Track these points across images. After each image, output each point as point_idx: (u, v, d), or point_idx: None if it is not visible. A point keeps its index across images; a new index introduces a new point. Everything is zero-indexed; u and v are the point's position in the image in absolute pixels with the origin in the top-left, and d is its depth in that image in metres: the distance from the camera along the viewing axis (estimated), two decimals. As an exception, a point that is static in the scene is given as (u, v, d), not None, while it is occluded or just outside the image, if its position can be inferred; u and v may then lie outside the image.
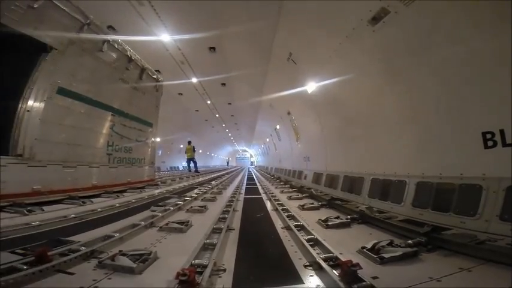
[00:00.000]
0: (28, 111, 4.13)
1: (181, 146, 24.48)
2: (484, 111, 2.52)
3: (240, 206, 4.59)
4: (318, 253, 2.01)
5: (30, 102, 4.17)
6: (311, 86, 6.34)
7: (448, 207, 2.73)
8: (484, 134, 2.50)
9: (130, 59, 6.57)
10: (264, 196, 6.02)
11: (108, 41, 5.70)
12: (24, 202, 3.76)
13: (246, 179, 11.91)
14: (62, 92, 4.74)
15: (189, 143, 15.77)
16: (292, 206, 4.43)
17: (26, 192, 4.04)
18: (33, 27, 4.04)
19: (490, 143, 2.45)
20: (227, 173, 16.94)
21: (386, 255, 1.94)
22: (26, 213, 3.38)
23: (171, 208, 3.85)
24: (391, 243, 2.15)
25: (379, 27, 3.43)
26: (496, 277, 1.67)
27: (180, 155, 24.84)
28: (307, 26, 5.10)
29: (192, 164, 15.80)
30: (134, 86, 7.07)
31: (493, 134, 2.43)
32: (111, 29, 6.35)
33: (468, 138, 2.69)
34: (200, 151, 32.03)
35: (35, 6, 3.91)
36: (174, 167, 22.77)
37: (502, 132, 2.35)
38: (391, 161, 4.07)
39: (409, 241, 2.19)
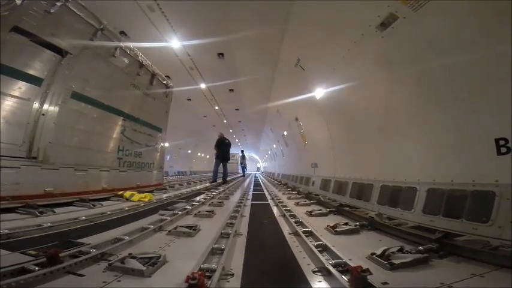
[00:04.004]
0: (43, 114, 4.24)
1: (189, 151, 24.74)
2: (497, 117, 2.48)
3: (247, 211, 4.58)
4: (326, 259, 1.98)
5: (46, 106, 4.28)
6: (319, 92, 6.33)
7: (459, 214, 2.68)
8: (497, 140, 2.46)
9: (141, 65, 6.70)
10: (271, 202, 5.99)
11: (121, 47, 5.84)
12: (36, 204, 3.84)
13: (252, 185, 11.89)
14: (76, 96, 4.86)
15: (242, 152, 21.97)
16: (300, 212, 4.40)
17: (38, 194, 4.13)
18: (50, 32, 4.18)
19: (503, 150, 2.41)
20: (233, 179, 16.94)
21: (396, 261, 1.91)
22: (38, 214, 3.45)
23: (179, 212, 3.86)
24: (401, 250, 2.11)
25: (388, 32, 3.43)
26: (510, 282, 1.64)
27: (187, 160, 25.07)
28: (315, 32, 5.13)
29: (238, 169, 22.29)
30: (145, 91, 7.19)
31: (506, 141, 2.38)
32: (123, 34, 6.52)
33: (480, 145, 2.64)
34: (207, 157, 32.26)
35: (52, 11, 4.06)
36: (182, 172, 22.93)
37: (515, 138, 2.31)
38: (401, 167, 4.01)
39: (420, 247, 2.15)
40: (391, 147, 4.33)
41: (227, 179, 11.90)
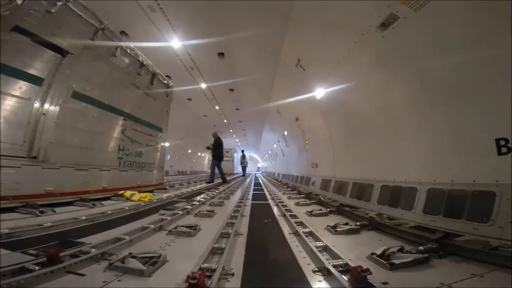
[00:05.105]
0: (44, 114, 4.24)
1: (190, 151, 24.72)
2: (498, 117, 2.48)
3: (247, 211, 4.58)
4: (326, 259, 1.99)
5: (46, 106, 4.28)
6: (319, 92, 6.33)
7: (460, 214, 2.68)
8: (497, 140, 2.46)
9: (142, 65, 6.70)
10: (271, 202, 5.99)
11: (121, 46, 5.84)
12: (36, 203, 3.84)
13: (252, 185, 11.89)
14: (77, 96, 4.86)
15: (242, 151, 23.22)
16: (300, 212, 4.39)
17: (39, 193, 4.13)
18: (51, 32, 4.19)
19: (503, 150, 2.41)
20: (233, 179, 16.94)
21: (396, 261, 1.91)
22: (39, 214, 3.44)
23: (180, 212, 3.87)
24: (401, 250, 2.11)
25: (389, 33, 3.43)
26: (510, 282, 1.64)
27: (187, 159, 25.04)
28: (315, 32, 5.13)
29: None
30: (145, 91, 7.19)
31: (506, 141, 2.39)
32: (124, 34, 6.52)
33: (481, 145, 2.64)
34: (207, 156, 32.26)
35: (52, 11, 4.06)
36: (182, 171, 22.89)
37: (516, 138, 2.31)
38: (402, 168, 4.01)
39: (420, 247, 2.15)
40: (391, 147, 4.33)
41: (227, 178, 11.86)
